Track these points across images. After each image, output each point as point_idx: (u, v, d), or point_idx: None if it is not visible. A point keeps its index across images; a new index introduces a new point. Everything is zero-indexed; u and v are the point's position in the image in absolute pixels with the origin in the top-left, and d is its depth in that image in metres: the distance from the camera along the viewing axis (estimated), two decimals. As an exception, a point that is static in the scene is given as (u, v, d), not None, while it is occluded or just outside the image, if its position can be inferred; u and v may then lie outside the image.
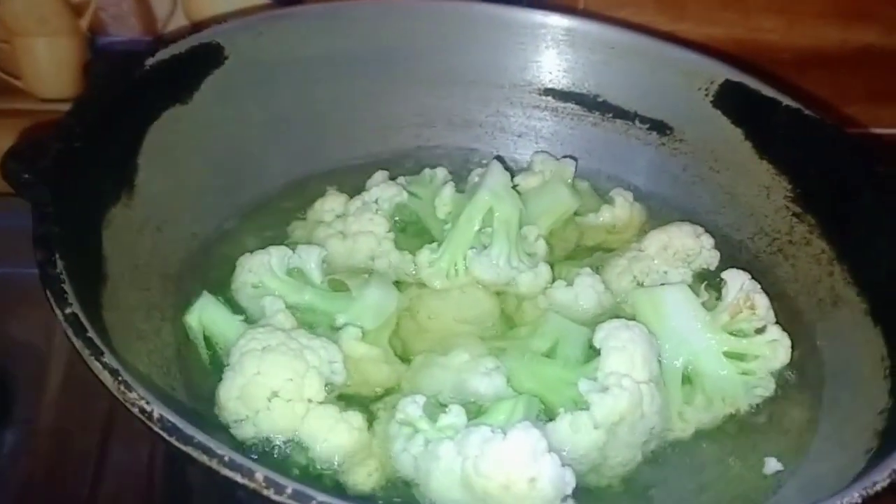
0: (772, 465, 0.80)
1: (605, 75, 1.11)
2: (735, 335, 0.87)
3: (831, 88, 1.38)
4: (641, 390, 0.78)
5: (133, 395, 0.58)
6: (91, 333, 0.61)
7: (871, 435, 0.73)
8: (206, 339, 0.85)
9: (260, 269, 0.88)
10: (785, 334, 0.86)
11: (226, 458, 0.54)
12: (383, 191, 1.00)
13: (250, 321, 0.85)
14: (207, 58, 0.97)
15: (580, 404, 0.77)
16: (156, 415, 0.57)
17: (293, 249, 0.91)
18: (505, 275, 0.94)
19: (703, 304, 0.88)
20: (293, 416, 0.75)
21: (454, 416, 0.74)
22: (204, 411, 0.76)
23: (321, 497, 0.53)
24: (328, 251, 0.94)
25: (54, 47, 1.32)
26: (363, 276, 0.92)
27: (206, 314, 0.85)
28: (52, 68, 1.31)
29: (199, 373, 0.81)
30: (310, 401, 0.76)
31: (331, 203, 1.00)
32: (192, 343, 0.84)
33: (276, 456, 0.75)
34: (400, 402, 0.76)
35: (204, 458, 0.55)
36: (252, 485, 0.53)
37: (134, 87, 0.89)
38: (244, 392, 0.75)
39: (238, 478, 0.54)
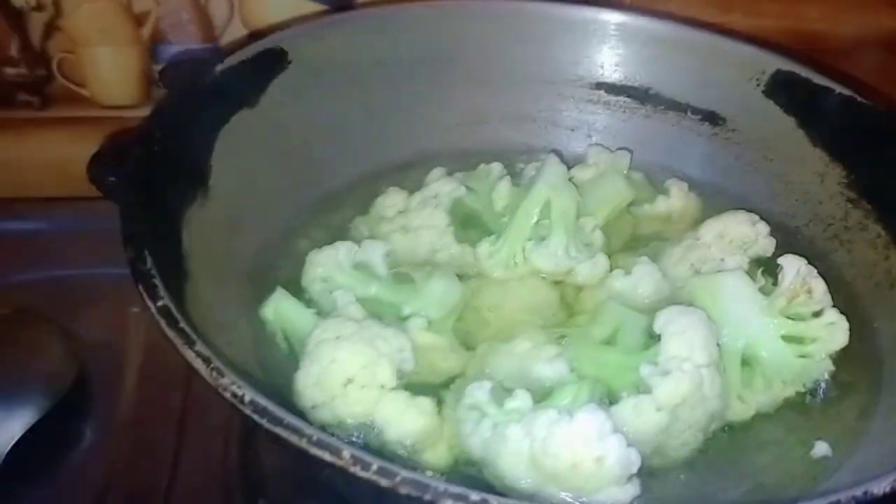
0: (821, 449, 0.81)
1: (657, 68, 1.14)
2: (792, 319, 0.88)
3: (880, 75, 1.38)
4: (702, 373, 0.80)
5: (225, 381, 0.62)
6: (183, 324, 0.65)
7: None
8: (282, 330, 0.88)
9: (328, 264, 0.91)
10: (842, 317, 0.87)
11: (314, 438, 0.58)
12: (442, 186, 1.03)
13: (321, 314, 0.89)
14: (272, 62, 1.01)
15: (642, 389, 0.80)
16: (247, 398, 0.61)
17: (358, 244, 0.94)
18: (564, 264, 0.96)
19: (760, 289, 0.90)
20: (367, 402, 0.78)
21: (520, 399, 0.77)
22: (281, 400, 0.80)
23: (405, 473, 0.56)
24: (391, 246, 0.98)
25: (117, 56, 1.38)
26: (426, 268, 0.95)
27: (280, 307, 0.89)
28: (115, 76, 1.37)
29: (275, 365, 0.85)
30: (382, 387, 0.79)
31: (392, 199, 1.04)
32: (267, 337, 0.88)
33: (352, 440, 0.78)
34: (467, 387, 0.80)
35: (294, 438, 0.58)
36: (340, 462, 0.57)
37: (205, 92, 0.93)
38: (321, 379, 0.78)
39: (326, 456, 0.57)
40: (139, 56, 1.39)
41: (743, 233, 0.98)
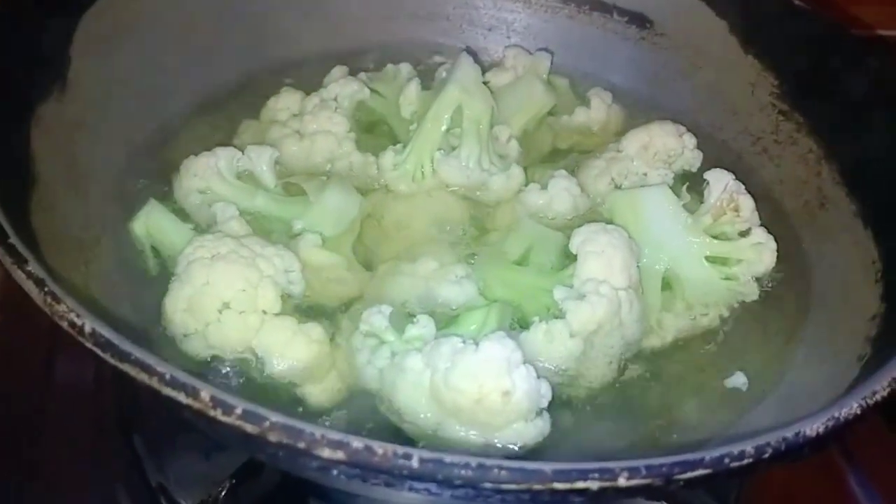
0: (738, 379, 0.76)
1: (582, -38, 1.04)
2: (718, 238, 0.82)
3: None
4: (620, 297, 0.73)
5: (61, 308, 0.52)
6: (13, 239, 0.54)
7: (862, 341, 0.69)
8: (154, 248, 0.78)
9: (206, 173, 0.81)
10: (770, 237, 0.81)
11: (167, 376, 0.48)
12: (343, 87, 0.92)
13: (200, 230, 0.79)
14: (146, -61, 0.88)
15: (555, 312, 0.73)
16: (87, 329, 0.51)
17: (242, 151, 0.84)
18: (475, 178, 0.88)
19: (685, 205, 0.83)
20: (246, 329, 0.69)
21: (422, 326, 0.69)
22: (150, 326, 0.70)
23: (274, 417, 0.47)
24: (283, 153, 0.87)
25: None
26: (321, 178, 0.85)
27: (152, 221, 0.78)
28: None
29: (144, 285, 0.75)
30: (264, 312, 0.70)
31: (285, 101, 0.93)
32: (136, 253, 0.77)
33: (228, 372, 0.69)
34: (364, 312, 0.71)
35: (143, 377, 0.49)
36: (197, 405, 0.48)
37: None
38: (192, 303, 0.69)
39: (182, 398, 0.48)
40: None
41: (668, 145, 0.91)
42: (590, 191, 0.89)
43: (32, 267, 0.53)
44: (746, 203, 0.83)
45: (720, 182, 0.83)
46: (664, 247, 0.80)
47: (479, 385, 0.62)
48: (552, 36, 1.07)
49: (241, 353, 0.70)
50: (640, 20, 1.03)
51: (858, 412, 0.54)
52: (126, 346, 0.50)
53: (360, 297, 0.78)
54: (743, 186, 0.83)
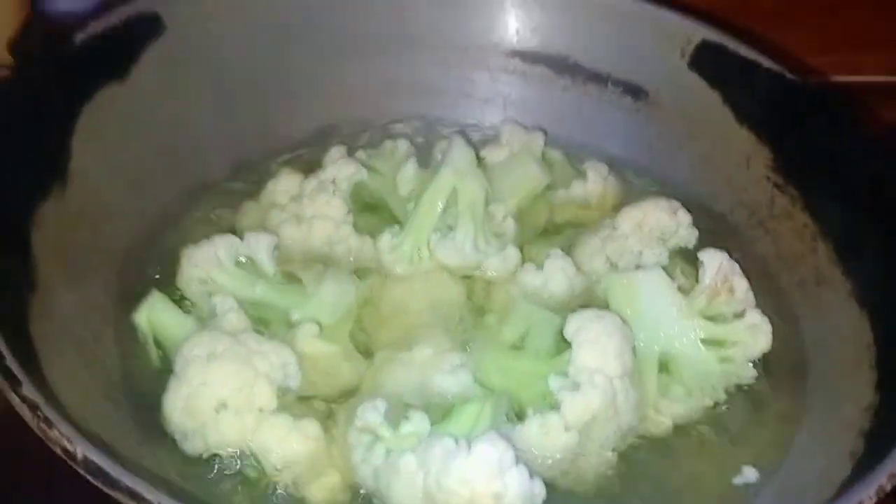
0: (748, 475, 0.75)
1: (576, 35, 1.05)
2: (713, 320, 0.82)
3: (816, 39, 1.32)
4: (615, 386, 0.73)
5: (54, 433, 0.52)
6: (9, 360, 0.55)
7: (855, 435, 0.69)
8: (156, 339, 0.79)
9: (206, 263, 0.82)
10: (765, 318, 0.81)
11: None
12: (341, 169, 0.93)
13: (201, 318, 0.80)
14: (145, 28, 0.90)
15: (551, 401, 0.73)
16: (79, 455, 0.52)
17: (242, 238, 0.85)
18: (471, 259, 0.88)
19: (680, 286, 0.83)
20: (243, 428, 0.70)
21: (416, 423, 0.70)
22: (150, 422, 0.71)
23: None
24: (282, 237, 0.88)
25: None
26: (318, 266, 0.86)
27: (155, 313, 0.79)
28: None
29: (146, 378, 0.76)
30: (261, 410, 0.71)
31: (284, 184, 0.94)
32: (137, 345, 0.78)
33: (226, 471, 0.70)
34: (359, 407, 0.71)
35: (132, 504, 0.50)
36: (187, 534, 0.48)
37: (62, 67, 0.82)
38: (189, 403, 0.70)
39: (171, 527, 0.49)
40: (18, 4, 1.27)
41: (662, 223, 0.91)
42: (585, 269, 0.90)
43: (27, 390, 0.54)
44: (741, 284, 0.83)
45: (714, 262, 0.83)
46: (660, 330, 0.81)
47: (471, 489, 0.62)
48: (548, 107, 1.07)
49: (239, 452, 0.70)
50: (634, 91, 1.04)
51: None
52: (117, 472, 0.51)
53: (357, 387, 0.79)
54: (737, 266, 0.83)
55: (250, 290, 0.82)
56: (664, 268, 0.85)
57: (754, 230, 0.95)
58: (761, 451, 0.76)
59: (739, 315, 0.82)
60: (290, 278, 0.85)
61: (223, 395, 0.70)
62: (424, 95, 1.08)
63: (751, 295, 0.83)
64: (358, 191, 0.95)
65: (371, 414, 0.70)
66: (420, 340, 0.81)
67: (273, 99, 1.00)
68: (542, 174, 0.98)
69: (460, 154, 0.90)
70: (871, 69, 1.39)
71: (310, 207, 0.90)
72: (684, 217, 0.92)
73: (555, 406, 0.72)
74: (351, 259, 0.90)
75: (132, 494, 0.50)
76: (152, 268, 0.85)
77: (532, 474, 0.65)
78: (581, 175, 1.01)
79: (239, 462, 0.71)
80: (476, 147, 0.97)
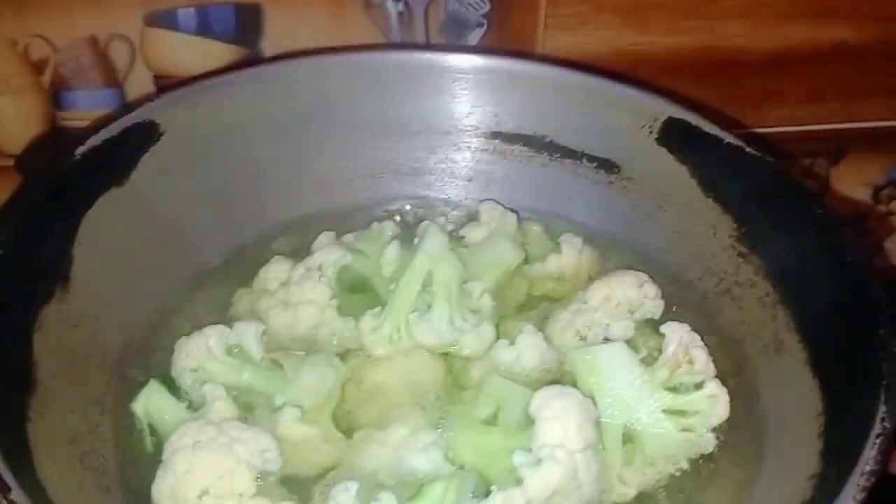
0: None
1: (551, 116, 1.10)
2: (674, 391, 0.86)
3: (807, 88, 1.37)
4: (576, 460, 0.78)
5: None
6: (2, 469, 0.62)
7: (798, 504, 0.72)
8: (151, 427, 0.86)
9: (198, 353, 0.88)
10: (723, 389, 0.85)
11: None
12: (327, 255, 1.00)
13: (194, 405, 0.87)
14: (142, 136, 0.97)
15: (517, 476, 0.77)
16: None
17: (231, 326, 0.91)
18: (447, 337, 0.93)
19: (643, 359, 0.88)
20: None
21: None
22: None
23: None
24: (270, 323, 0.95)
25: (18, 105, 1.35)
26: (299, 354, 0.93)
27: (152, 402, 0.86)
28: (17, 125, 1.34)
29: (141, 467, 0.82)
30: (241, 495, 0.77)
31: (274, 270, 1.00)
32: (132, 434, 0.85)
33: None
34: (333, 489, 0.77)
35: None
36: None
37: (64, 179, 0.90)
38: (175, 491, 0.76)
39: None
40: (41, 104, 1.36)
41: (630, 296, 0.96)
42: (556, 343, 0.95)
43: (16, 496, 0.61)
44: (700, 356, 0.87)
45: (675, 335, 0.88)
46: (623, 402, 0.85)
47: (425, 567, 0.68)
48: (527, 183, 1.13)
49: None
50: (608, 165, 1.09)
51: None
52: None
53: (337, 465, 0.84)
54: (698, 338, 0.88)
55: (238, 377, 0.88)
56: (630, 339, 0.90)
57: (721, 297, 0.98)
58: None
59: (699, 385, 0.86)
60: (275, 364, 0.91)
61: (206, 483, 0.76)
62: (411, 177, 1.15)
63: (710, 366, 0.87)
64: (345, 273, 1.01)
65: (343, 496, 0.76)
66: (396, 420, 0.86)
67: (265, 189, 1.07)
68: (514, 252, 1.03)
69: (433, 239, 0.96)
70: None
71: (296, 294, 0.96)
72: (650, 290, 0.96)
73: (519, 481, 0.77)
74: (335, 342, 0.96)
75: None
76: (149, 357, 0.92)
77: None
78: (557, 248, 1.06)
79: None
80: (456, 227, 1.05)
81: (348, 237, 1.05)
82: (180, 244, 1.00)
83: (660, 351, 0.89)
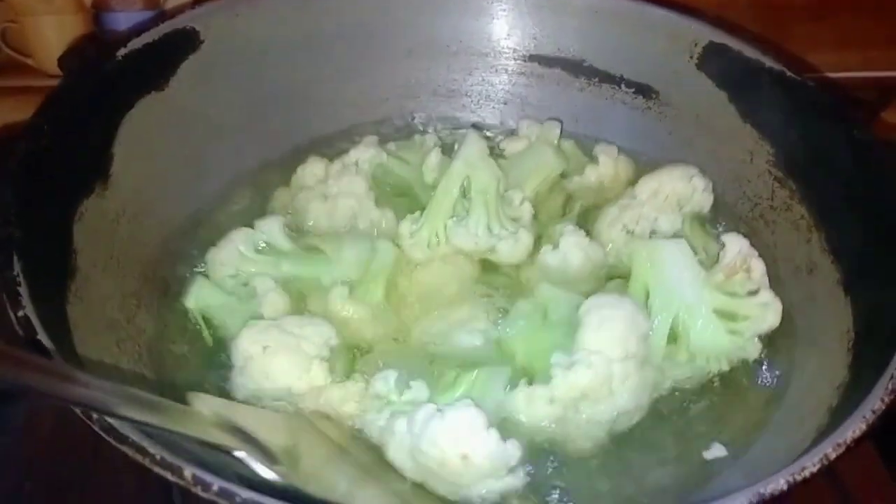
0: (715, 450, 0.80)
1: (590, 40, 1.10)
2: (729, 295, 0.86)
3: (849, 34, 1.35)
4: (612, 369, 0.78)
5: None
6: (41, 335, 0.64)
7: (825, 411, 0.73)
8: (206, 319, 0.88)
9: (230, 259, 0.90)
10: (777, 299, 0.86)
11: (157, 457, 0.57)
12: (362, 152, 1.01)
13: (241, 300, 0.89)
14: (182, 43, 0.98)
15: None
16: (95, 414, 0.59)
17: (253, 227, 0.93)
18: (483, 243, 0.94)
19: (700, 261, 0.88)
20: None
21: (416, 391, 0.77)
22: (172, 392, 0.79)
23: (245, 494, 0.55)
24: (310, 214, 0.97)
25: (61, 24, 1.36)
26: (338, 236, 0.94)
27: (202, 296, 0.89)
28: (59, 45, 1.34)
29: (172, 361, 0.84)
30: (319, 388, 0.80)
31: (311, 168, 1.01)
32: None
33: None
34: (373, 378, 0.80)
35: (138, 457, 0.57)
36: (182, 482, 0.56)
37: (105, 79, 0.91)
38: (257, 394, 0.80)
39: (169, 475, 0.56)
40: (83, 23, 1.37)
41: (678, 189, 0.96)
42: (604, 239, 0.96)
43: (56, 360, 0.63)
44: (758, 266, 0.88)
45: (735, 245, 0.88)
46: (676, 296, 0.85)
47: (441, 450, 0.70)
48: (564, 107, 1.13)
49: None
50: (646, 91, 1.09)
51: (784, 488, 0.59)
52: (125, 430, 0.58)
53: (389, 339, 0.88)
54: (756, 252, 0.88)
55: (277, 270, 0.90)
56: (687, 238, 0.90)
57: (756, 221, 0.98)
58: (742, 426, 0.81)
59: (753, 293, 0.87)
60: (314, 250, 0.92)
61: (286, 384, 0.79)
62: (446, 98, 1.15)
63: (766, 278, 0.87)
64: (387, 179, 1.03)
65: (380, 384, 0.78)
66: (458, 304, 0.90)
67: (301, 103, 1.08)
68: (557, 160, 1.03)
69: (472, 146, 0.97)
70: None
71: (334, 186, 0.98)
72: (700, 182, 0.97)
73: (549, 380, 0.78)
74: (374, 233, 0.97)
75: (138, 448, 0.57)
76: (187, 255, 0.94)
77: (507, 438, 0.71)
78: (594, 161, 1.06)
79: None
80: (495, 141, 1.06)
81: (390, 145, 1.06)
82: (218, 152, 1.01)
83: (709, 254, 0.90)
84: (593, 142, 1.10)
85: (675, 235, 0.93)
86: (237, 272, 0.90)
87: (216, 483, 0.56)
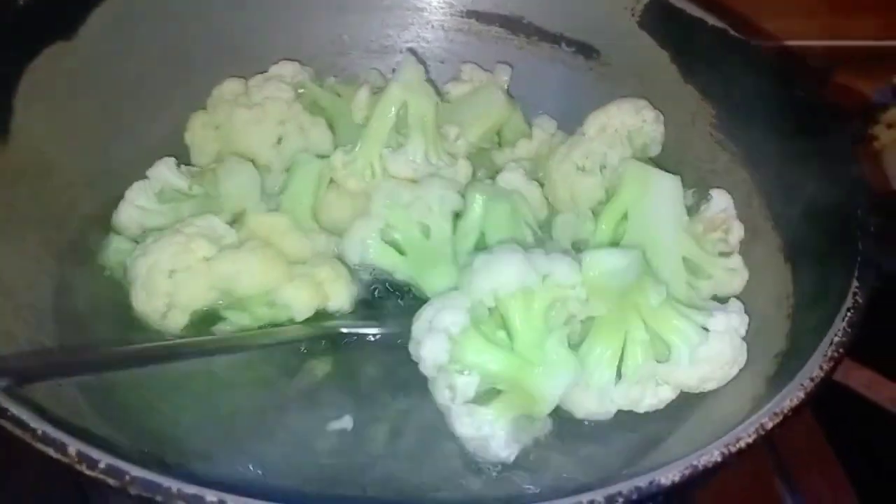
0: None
1: (530, -5, 1.05)
2: (702, 248, 0.84)
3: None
4: None
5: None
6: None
7: (763, 380, 0.70)
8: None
9: (133, 220, 0.86)
10: (746, 268, 0.84)
11: (38, 432, 0.52)
12: (284, 67, 0.98)
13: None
14: (93, -11, 0.91)
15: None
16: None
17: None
18: (423, 172, 0.90)
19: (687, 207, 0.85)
20: (196, 278, 0.78)
21: None
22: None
23: (134, 472, 0.50)
24: (235, 125, 0.92)
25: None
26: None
27: (120, 252, 0.84)
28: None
29: (75, 325, 0.79)
30: (206, 259, 0.78)
31: (229, 87, 0.97)
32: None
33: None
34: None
35: (18, 432, 0.52)
36: (66, 460, 0.51)
37: (5, 26, 0.83)
38: (148, 287, 0.77)
39: (51, 453, 0.51)
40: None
41: (626, 122, 0.94)
42: (554, 177, 0.92)
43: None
44: (738, 229, 0.85)
45: (723, 201, 0.86)
46: (652, 229, 0.82)
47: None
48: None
49: (213, 300, 0.78)
50: (586, 50, 1.04)
51: (719, 460, 0.56)
52: (5, 402, 0.53)
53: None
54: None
55: (181, 213, 0.85)
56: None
57: (698, 184, 0.94)
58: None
59: (724, 255, 0.84)
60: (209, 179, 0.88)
61: (169, 265, 0.77)
62: (380, 55, 1.10)
63: (739, 244, 0.85)
64: (314, 112, 0.98)
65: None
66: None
67: (225, 58, 1.01)
68: (507, 105, 0.99)
69: (409, 69, 0.92)
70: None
71: (258, 94, 0.94)
72: (649, 114, 0.94)
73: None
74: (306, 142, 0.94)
75: (17, 422, 0.52)
76: (103, 219, 0.88)
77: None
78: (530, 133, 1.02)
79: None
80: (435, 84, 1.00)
81: (330, 80, 1.04)
82: (133, 108, 0.94)
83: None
84: (532, 106, 1.06)
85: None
86: (144, 230, 0.85)
87: (103, 460, 0.51)
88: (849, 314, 0.65)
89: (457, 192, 0.86)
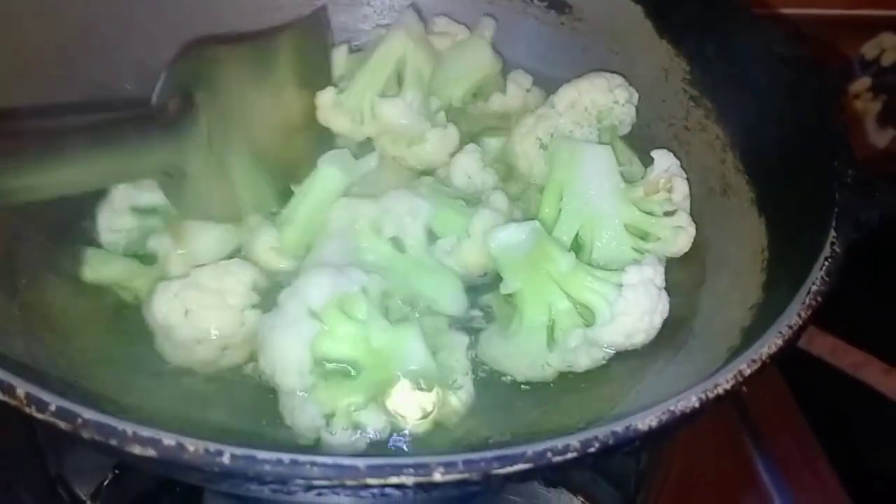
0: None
1: (502, -52, 1.03)
2: (644, 213, 0.81)
3: None
4: None
5: None
6: None
7: (738, 331, 0.69)
8: (106, 288, 0.80)
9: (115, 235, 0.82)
10: (692, 223, 0.82)
11: (-18, 374, 0.49)
12: None
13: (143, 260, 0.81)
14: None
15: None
16: None
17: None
18: (416, 123, 0.87)
19: (623, 173, 0.83)
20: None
21: None
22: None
23: (87, 414, 0.47)
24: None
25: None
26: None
27: (98, 265, 0.80)
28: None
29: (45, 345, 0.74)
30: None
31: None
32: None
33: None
34: None
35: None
36: (14, 402, 0.48)
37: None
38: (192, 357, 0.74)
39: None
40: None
41: (597, 101, 0.90)
42: (517, 151, 0.90)
43: None
44: (681, 187, 0.83)
45: (664, 162, 0.84)
46: (590, 203, 0.81)
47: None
48: (472, 21, 1.04)
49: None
50: (559, 5, 1.02)
51: (697, 405, 0.54)
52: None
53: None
54: (684, 173, 0.84)
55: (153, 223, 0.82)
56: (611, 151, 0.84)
57: (670, 142, 0.94)
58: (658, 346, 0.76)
59: (669, 214, 0.82)
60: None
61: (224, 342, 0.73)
62: (347, 7, 1.07)
63: (687, 201, 0.84)
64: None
65: None
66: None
67: (181, 6, 0.97)
68: (495, 59, 0.97)
69: (413, 20, 0.90)
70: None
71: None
72: (622, 94, 0.91)
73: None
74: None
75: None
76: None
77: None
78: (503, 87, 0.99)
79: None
80: None
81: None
82: (84, 54, 0.89)
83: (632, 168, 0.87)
84: (504, 62, 1.03)
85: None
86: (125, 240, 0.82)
87: (54, 402, 0.48)
88: (826, 263, 0.64)
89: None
